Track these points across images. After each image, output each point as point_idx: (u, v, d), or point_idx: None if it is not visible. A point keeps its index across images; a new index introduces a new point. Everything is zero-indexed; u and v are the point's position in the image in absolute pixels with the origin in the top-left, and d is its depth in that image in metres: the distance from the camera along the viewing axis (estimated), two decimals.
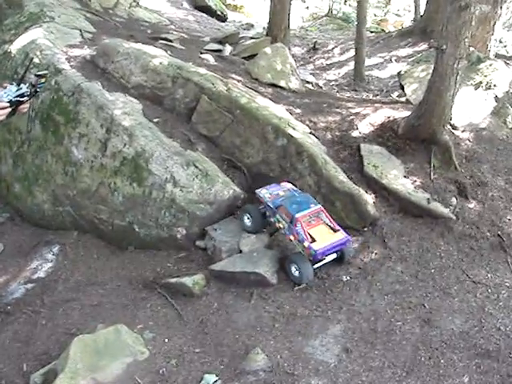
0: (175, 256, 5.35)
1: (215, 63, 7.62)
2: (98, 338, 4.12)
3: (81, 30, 7.54)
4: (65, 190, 5.87)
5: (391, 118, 6.39)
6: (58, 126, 5.94)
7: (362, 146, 5.99)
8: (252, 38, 10.67)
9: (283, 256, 5.07)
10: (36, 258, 5.66)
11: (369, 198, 5.44)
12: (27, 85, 3.03)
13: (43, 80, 3.03)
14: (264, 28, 13.85)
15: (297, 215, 4.81)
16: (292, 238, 4.93)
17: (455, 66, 5.55)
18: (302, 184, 5.53)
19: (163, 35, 8.68)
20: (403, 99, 7.82)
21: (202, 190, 5.37)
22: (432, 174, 5.78)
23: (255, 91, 6.76)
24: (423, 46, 12.35)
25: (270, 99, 6.68)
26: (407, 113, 6.40)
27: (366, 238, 5.30)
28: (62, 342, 4.41)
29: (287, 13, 9.99)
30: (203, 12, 15.97)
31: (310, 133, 6.12)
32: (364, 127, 6.34)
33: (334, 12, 19.98)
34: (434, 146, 5.95)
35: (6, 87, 2.94)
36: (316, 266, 4.88)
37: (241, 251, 5.08)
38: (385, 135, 6.17)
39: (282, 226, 5.05)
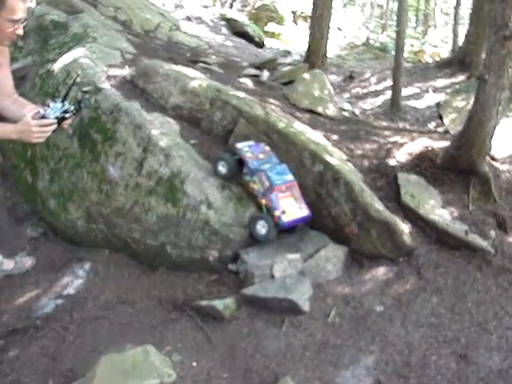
0: (207, 278, 5.29)
1: (253, 87, 7.63)
2: (126, 358, 4.05)
3: (122, 51, 7.64)
4: (99, 207, 5.88)
5: (429, 148, 6.30)
6: (96, 143, 5.97)
7: (399, 174, 5.91)
8: (290, 64, 10.72)
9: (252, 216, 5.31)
10: (67, 274, 5.65)
11: (405, 228, 5.34)
12: (70, 101, 3.10)
13: (87, 96, 3.10)
14: (301, 55, 13.93)
15: (275, 185, 5.04)
16: (264, 202, 5.13)
17: (497, 96, 5.47)
18: (337, 211, 5.45)
19: (202, 59, 8.76)
20: (441, 129, 7.74)
21: (236, 213, 5.33)
22: (470, 205, 5.66)
23: (293, 116, 6.74)
24: (461, 77, 12.30)
25: (308, 125, 6.65)
26: (446, 143, 6.32)
27: (401, 269, 5.19)
28: (89, 359, 4.34)
29: (326, 41, 10.07)
30: (241, 38, 16.18)
31: (347, 160, 6.06)
32: (401, 156, 6.27)
33: (371, 41, 20.04)
34: (472, 177, 5.85)
35: (48, 104, 3.00)
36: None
37: (273, 276, 5.00)
38: (422, 165, 6.08)
39: (255, 188, 5.24)
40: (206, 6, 18.82)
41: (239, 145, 5.59)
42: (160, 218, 5.49)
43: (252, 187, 5.38)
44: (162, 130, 5.88)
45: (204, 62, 8.39)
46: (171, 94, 6.34)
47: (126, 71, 6.93)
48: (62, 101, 3.17)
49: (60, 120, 3.09)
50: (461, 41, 14.91)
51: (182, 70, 6.68)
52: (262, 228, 5.16)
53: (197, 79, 6.49)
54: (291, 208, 5.20)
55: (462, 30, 16.55)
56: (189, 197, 5.37)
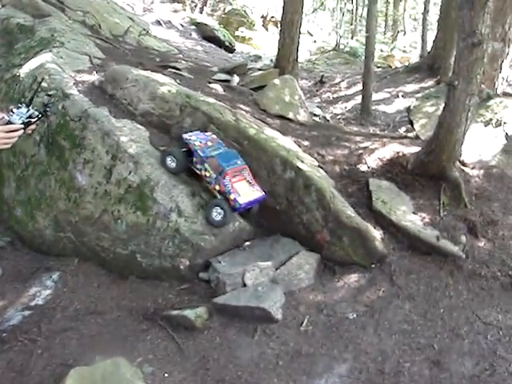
0: (178, 287, 5.21)
1: (224, 93, 7.59)
2: (96, 371, 3.98)
3: (90, 56, 7.52)
4: (67, 215, 5.77)
5: (400, 154, 6.33)
6: (64, 150, 5.87)
7: (370, 180, 5.92)
8: (260, 69, 10.71)
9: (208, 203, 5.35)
10: (35, 284, 5.52)
11: (377, 234, 5.35)
12: (35, 106, 3.08)
13: (53, 100, 3.08)
14: (271, 60, 13.92)
15: (227, 169, 5.10)
16: (217, 187, 5.19)
17: (467, 102, 5.52)
18: (309, 218, 5.44)
19: (172, 64, 8.69)
20: (411, 134, 7.78)
21: (206, 221, 5.28)
22: (441, 211, 5.70)
23: (263, 122, 6.71)
24: (430, 82, 12.42)
25: (278, 131, 6.63)
26: (416, 148, 6.35)
27: (374, 275, 5.20)
28: (57, 373, 4.24)
29: (296, 46, 10.03)
30: (211, 42, 16.16)
31: (318, 166, 6.06)
32: (372, 162, 6.28)
33: (341, 46, 20.16)
34: (443, 183, 5.89)
35: (13, 110, 2.96)
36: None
37: (245, 285, 4.95)
38: (394, 170, 6.11)
39: (208, 175, 5.28)
40: (175, 11, 18.70)
41: (186, 135, 5.59)
42: (129, 227, 5.40)
43: (204, 174, 5.39)
44: (131, 136, 5.79)
45: (174, 68, 8.31)
46: (140, 100, 6.26)
47: (94, 77, 6.82)
48: (27, 106, 3.12)
49: (26, 125, 3.07)
50: (429, 46, 15.08)
51: (152, 76, 6.60)
52: (217, 214, 5.20)
53: (166, 85, 6.41)
54: (245, 190, 5.26)
55: (431, 36, 16.72)
56: (159, 204, 5.30)
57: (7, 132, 2.97)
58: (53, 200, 5.87)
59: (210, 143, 5.49)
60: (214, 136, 5.70)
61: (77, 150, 5.78)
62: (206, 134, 5.71)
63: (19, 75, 6.65)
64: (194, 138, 5.51)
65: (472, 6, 5.35)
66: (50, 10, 9.15)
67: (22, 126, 3.01)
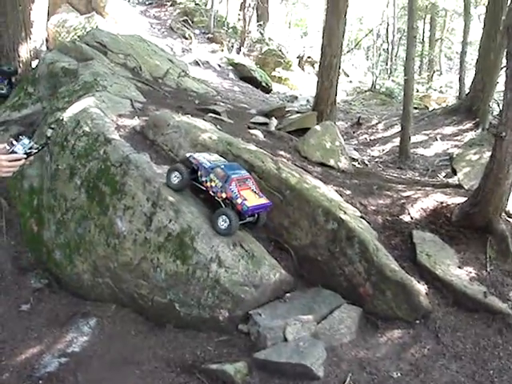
0: (216, 339, 5.12)
1: (264, 139, 7.58)
2: None
3: (131, 100, 7.62)
4: (106, 261, 5.75)
5: (444, 204, 6.20)
6: (104, 196, 5.88)
7: (414, 232, 5.80)
8: (298, 112, 10.69)
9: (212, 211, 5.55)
10: (72, 329, 5.50)
11: (421, 289, 5.20)
12: (35, 139, 3.34)
13: (54, 132, 3.46)
14: (308, 100, 13.99)
15: (232, 176, 5.23)
16: (224, 195, 5.28)
17: None
18: (351, 270, 5.33)
19: (211, 107, 8.73)
20: (452, 180, 7.66)
21: (247, 272, 5.20)
22: (488, 265, 5.52)
23: (305, 170, 6.66)
24: (468, 125, 12.33)
25: (320, 179, 6.57)
26: (460, 198, 6.21)
27: (418, 332, 5.02)
28: None
29: (334, 89, 10.05)
30: (248, 83, 16.28)
31: (361, 216, 5.96)
32: (415, 212, 6.16)
33: (377, 86, 20.14)
34: (489, 236, 5.73)
35: (13, 141, 3.18)
36: (240, 222, 5.41)
37: (286, 339, 4.82)
38: (437, 222, 5.97)
39: (213, 185, 5.38)
40: (213, 51, 18.94)
41: (193, 155, 5.72)
42: (169, 275, 5.35)
43: (210, 185, 5.48)
44: None
45: (213, 111, 8.33)
46: (182, 146, 6.27)
47: (135, 121, 6.88)
48: (29, 137, 3.30)
49: (27, 155, 3.23)
50: (466, 87, 15.01)
51: (193, 122, 6.63)
52: (223, 223, 5.31)
53: (207, 131, 6.43)
54: (251, 196, 5.34)
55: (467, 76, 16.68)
56: (199, 254, 5.25)
57: (10, 161, 3.12)
58: (92, 245, 5.87)
59: (213, 158, 5.68)
60: (218, 156, 5.86)
61: (117, 196, 5.79)
62: (211, 153, 5.90)
63: (62, 119, 6.73)
64: (198, 155, 5.69)
65: None
66: (94, 53, 9.33)
67: (25, 156, 3.16)
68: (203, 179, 5.53)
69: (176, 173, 5.61)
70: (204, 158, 5.60)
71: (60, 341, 5.37)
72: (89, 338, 5.39)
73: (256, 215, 5.57)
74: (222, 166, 5.43)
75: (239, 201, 5.21)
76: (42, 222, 6.47)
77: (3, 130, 8.07)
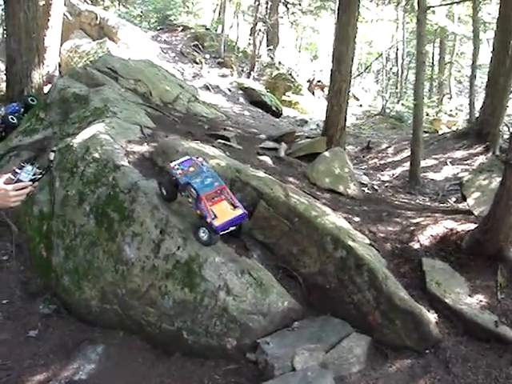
0: (224, 367, 5.07)
1: (273, 165, 7.58)
2: None
3: (141, 126, 7.66)
4: (114, 288, 5.74)
5: (454, 231, 6.14)
6: (113, 222, 5.89)
7: (423, 260, 5.74)
8: (308, 137, 10.71)
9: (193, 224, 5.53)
10: (79, 356, 5.48)
11: (431, 318, 5.13)
12: (37, 164, 3.32)
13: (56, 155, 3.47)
14: (318, 125, 14.03)
15: (201, 194, 5.17)
16: (198, 212, 5.26)
17: None
18: (360, 298, 5.27)
19: (220, 132, 8.76)
20: (462, 205, 7.61)
21: (255, 300, 5.17)
22: (499, 293, 5.44)
23: (313, 197, 6.65)
24: (479, 149, 12.32)
25: (329, 206, 6.55)
26: (470, 225, 6.16)
27: (428, 362, 4.93)
28: None
29: (344, 114, 10.07)
30: (258, 107, 16.36)
31: (370, 244, 5.92)
32: (425, 239, 6.11)
33: (387, 110, 20.18)
34: (500, 264, 5.66)
35: (16, 170, 3.22)
36: (222, 233, 5.34)
37: (294, 368, 4.76)
38: (447, 249, 5.91)
39: (190, 201, 5.39)
40: (223, 75, 19.09)
41: (172, 164, 5.69)
42: (177, 303, 5.33)
43: (188, 201, 5.52)
44: (181, 211, 5.79)
45: (222, 137, 8.36)
46: None
47: (144, 148, 6.91)
48: (32, 163, 3.32)
49: (33, 182, 3.25)
50: (476, 110, 15.03)
51: (202, 149, 6.65)
52: (203, 234, 5.32)
53: (216, 158, 6.44)
54: (223, 211, 5.30)
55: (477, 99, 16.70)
56: (207, 282, 5.23)
57: (17, 190, 3.14)
58: (100, 271, 5.87)
59: (191, 168, 5.55)
60: (200, 159, 5.74)
61: (126, 223, 5.80)
62: (193, 158, 5.76)
63: (72, 145, 6.78)
64: (177, 167, 5.60)
65: None
66: (104, 79, 9.43)
67: (31, 183, 3.18)
68: (183, 194, 5.59)
69: (162, 186, 5.76)
70: (181, 171, 5.54)
71: (67, 368, 5.35)
72: (96, 366, 5.37)
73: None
74: (193, 183, 5.34)
75: (208, 220, 5.19)
76: (51, 248, 6.46)
77: (15, 155, 8.14)
